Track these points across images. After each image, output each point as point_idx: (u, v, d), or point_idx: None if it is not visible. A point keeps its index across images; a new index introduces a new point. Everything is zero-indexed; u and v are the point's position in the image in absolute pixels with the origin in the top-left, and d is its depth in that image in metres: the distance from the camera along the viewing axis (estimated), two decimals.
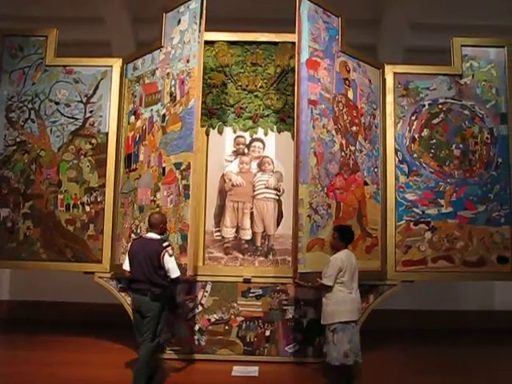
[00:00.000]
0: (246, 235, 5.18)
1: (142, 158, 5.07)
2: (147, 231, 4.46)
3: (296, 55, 4.70)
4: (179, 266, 4.24)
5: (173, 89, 4.86)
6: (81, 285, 5.59)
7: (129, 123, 5.29)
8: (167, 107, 4.90)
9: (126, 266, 4.27)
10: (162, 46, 5.08)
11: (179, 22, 4.97)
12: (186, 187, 4.56)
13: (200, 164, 5.21)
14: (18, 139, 5.36)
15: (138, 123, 5.17)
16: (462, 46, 5.43)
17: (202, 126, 5.27)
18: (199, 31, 4.72)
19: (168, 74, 4.95)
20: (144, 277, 4.09)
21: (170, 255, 4.13)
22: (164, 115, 4.90)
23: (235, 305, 5.01)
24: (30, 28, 5.54)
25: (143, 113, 5.13)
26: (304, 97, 4.63)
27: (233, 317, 5.02)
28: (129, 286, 4.37)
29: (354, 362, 4.06)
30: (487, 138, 5.36)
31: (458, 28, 5.90)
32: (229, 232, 5.18)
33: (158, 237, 4.25)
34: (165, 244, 4.18)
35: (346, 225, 4.61)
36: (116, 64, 5.41)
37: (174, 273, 4.14)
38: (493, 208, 5.27)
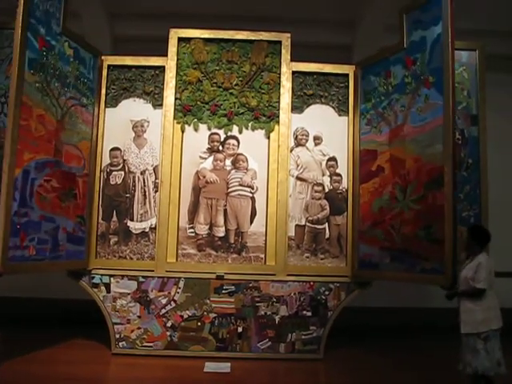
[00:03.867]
0: (220, 232, 5.19)
1: None
2: None
3: (449, 46, 4.36)
4: None
5: None
6: (52, 281, 5.56)
7: None
8: None
9: None
10: None
11: None
12: None
13: (175, 160, 5.26)
14: None
15: None
16: None
17: (178, 123, 5.30)
18: None
19: None
20: None
21: None
22: None
23: (208, 301, 5.03)
24: (3, 21, 5.44)
25: None
26: None
27: (205, 313, 5.03)
28: None
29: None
30: (458, 138, 5.40)
31: None
32: (202, 229, 5.19)
33: None
34: None
35: (481, 225, 4.57)
36: None
37: None
38: (463, 208, 5.33)
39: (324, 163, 5.34)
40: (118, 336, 5.03)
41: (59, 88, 4.85)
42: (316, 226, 5.25)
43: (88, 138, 5.23)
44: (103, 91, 5.36)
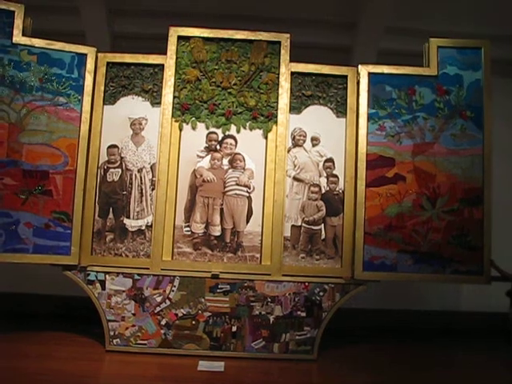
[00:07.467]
0: (216, 231, 5.19)
1: None
2: None
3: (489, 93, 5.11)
4: None
5: None
6: (45, 276, 5.56)
7: None
8: None
9: None
10: None
11: None
12: None
13: (172, 159, 5.25)
14: None
15: None
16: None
17: (176, 121, 5.29)
18: None
19: None
20: None
21: None
22: None
23: (203, 300, 5.03)
24: None
25: None
26: None
27: (200, 312, 5.04)
28: None
29: None
30: None
31: (434, 33, 5.96)
32: (198, 227, 5.19)
33: None
34: None
35: None
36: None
37: None
38: None
39: (321, 164, 5.34)
40: (112, 333, 5.03)
41: (11, 95, 4.98)
42: (312, 227, 5.25)
43: (72, 135, 5.18)
44: (102, 88, 5.32)
